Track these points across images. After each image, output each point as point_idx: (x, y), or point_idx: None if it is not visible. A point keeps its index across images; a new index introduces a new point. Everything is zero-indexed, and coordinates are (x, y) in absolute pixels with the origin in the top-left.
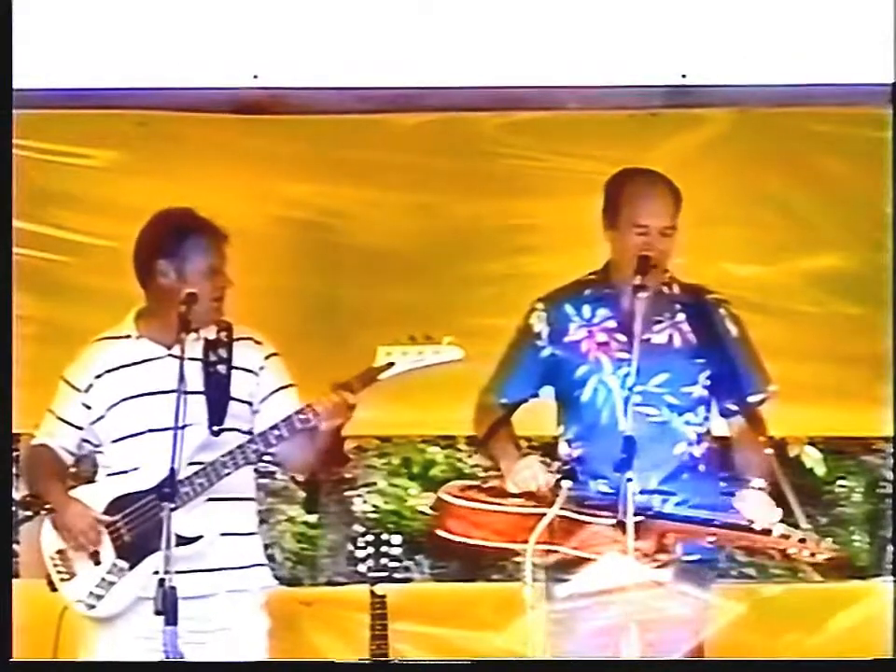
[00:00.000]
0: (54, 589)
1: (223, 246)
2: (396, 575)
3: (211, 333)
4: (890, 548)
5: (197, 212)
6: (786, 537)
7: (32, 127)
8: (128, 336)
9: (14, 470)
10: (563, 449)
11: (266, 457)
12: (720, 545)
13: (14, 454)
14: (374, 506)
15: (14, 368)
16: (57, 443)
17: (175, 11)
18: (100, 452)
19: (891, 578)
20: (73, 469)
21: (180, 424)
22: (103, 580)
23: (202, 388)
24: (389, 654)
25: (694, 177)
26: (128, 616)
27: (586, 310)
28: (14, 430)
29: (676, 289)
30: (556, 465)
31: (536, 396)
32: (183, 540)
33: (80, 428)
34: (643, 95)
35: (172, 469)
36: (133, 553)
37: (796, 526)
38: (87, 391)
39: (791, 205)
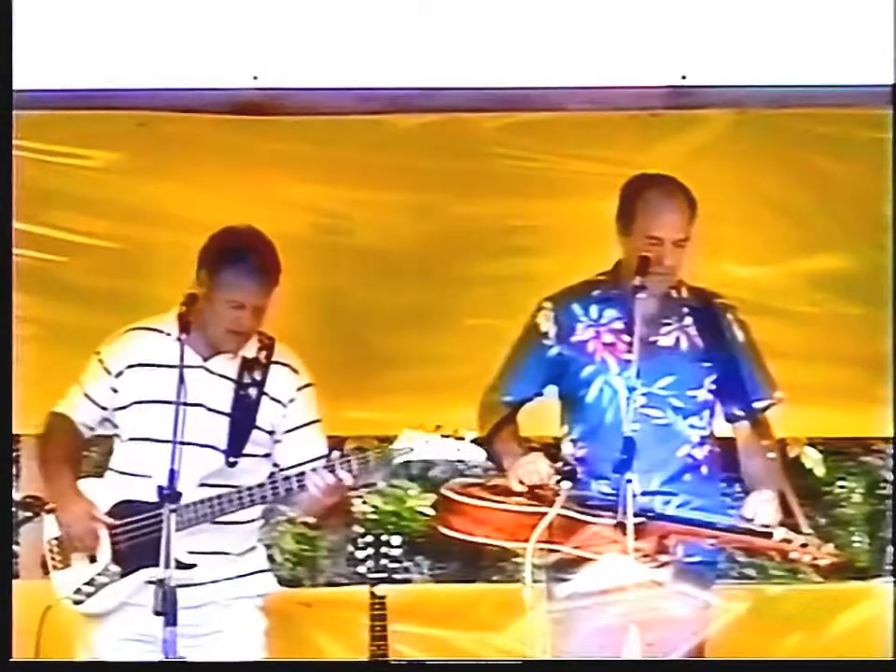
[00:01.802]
0: (46, 573)
1: (271, 291)
2: (395, 576)
3: (251, 351)
4: (890, 549)
5: (262, 245)
6: (787, 541)
7: (32, 128)
8: (169, 334)
9: (14, 471)
10: (567, 449)
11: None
12: (720, 547)
13: (14, 454)
14: (374, 507)
15: (14, 368)
16: (78, 418)
17: (174, 12)
18: (118, 436)
19: (891, 579)
20: (89, 442)
21: (179, 433)
22: (93, 579)
23: (228, 411)
24: (389, 655)
25: (694, 178)
26: (113, 617)
27: (594, 310)
28: (14, 431)
29: (684, 293)
30: (558, 465)
31: (540, 395)
32: (179, 565)
33: (105, 409)
34: (643, 96)
35: (172, 471)
36: (128, 561)
37: (798, 531)
38: (117, 376)
39: (791, 206)
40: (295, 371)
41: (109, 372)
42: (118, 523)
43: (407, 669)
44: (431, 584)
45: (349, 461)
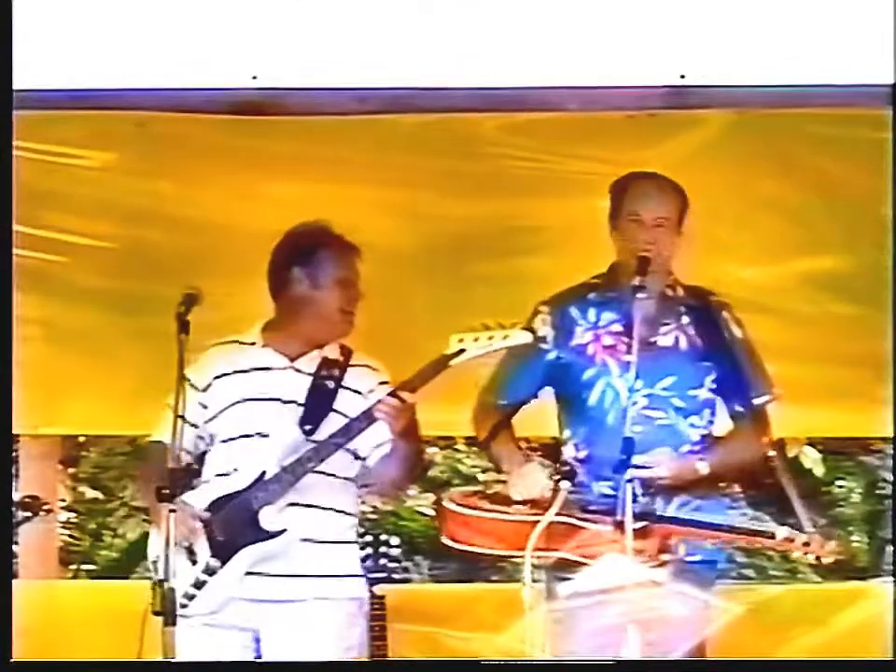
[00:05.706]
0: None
1: (355, 261)
2: (395, 576)
3: (333, 353)
4: (890, 549)
5: (331, 227)
6: (790, 540)
7: (32, 128)
8: (253, 343)
9: (14, 471)
10: (569, 451)
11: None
12: (723, 546)
13: (14, 454)
14: (373, 507)
15: (14, 368)
16: (173, 441)
17: (173, 12)
18: (209, 451)
19: (891, 578)
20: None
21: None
22: (197, 579)
23: (305, 400)
24: (388, 655)
25: (693, 179)
26: (217, 616)
27: (592, 313)
28: (14, 431)
29: (680, 292)
30: (557, 466)
31: (535, 397)
32: (267, 535)
33: (195, 426)
34: (642, 96)
35: (172, 470)
36: (224, 550)
37: (800, 529)
38: (205, 391)
39: (790, 207)
40: (375, 369)
41: (196, 388)
42: (213, 517)
43: (406, 669)
44: (430, 584)
45: (409, 381)
